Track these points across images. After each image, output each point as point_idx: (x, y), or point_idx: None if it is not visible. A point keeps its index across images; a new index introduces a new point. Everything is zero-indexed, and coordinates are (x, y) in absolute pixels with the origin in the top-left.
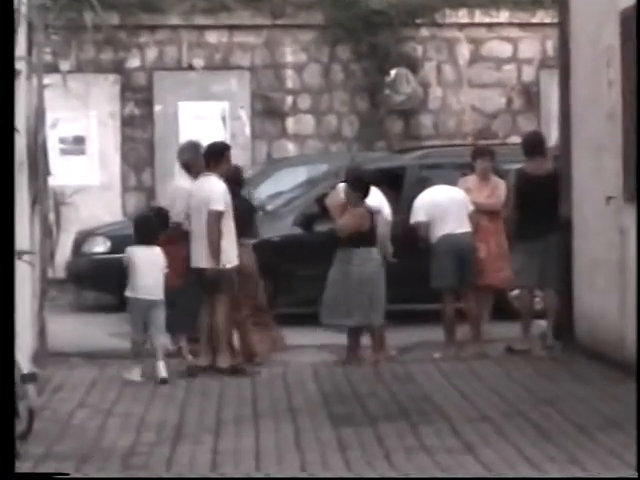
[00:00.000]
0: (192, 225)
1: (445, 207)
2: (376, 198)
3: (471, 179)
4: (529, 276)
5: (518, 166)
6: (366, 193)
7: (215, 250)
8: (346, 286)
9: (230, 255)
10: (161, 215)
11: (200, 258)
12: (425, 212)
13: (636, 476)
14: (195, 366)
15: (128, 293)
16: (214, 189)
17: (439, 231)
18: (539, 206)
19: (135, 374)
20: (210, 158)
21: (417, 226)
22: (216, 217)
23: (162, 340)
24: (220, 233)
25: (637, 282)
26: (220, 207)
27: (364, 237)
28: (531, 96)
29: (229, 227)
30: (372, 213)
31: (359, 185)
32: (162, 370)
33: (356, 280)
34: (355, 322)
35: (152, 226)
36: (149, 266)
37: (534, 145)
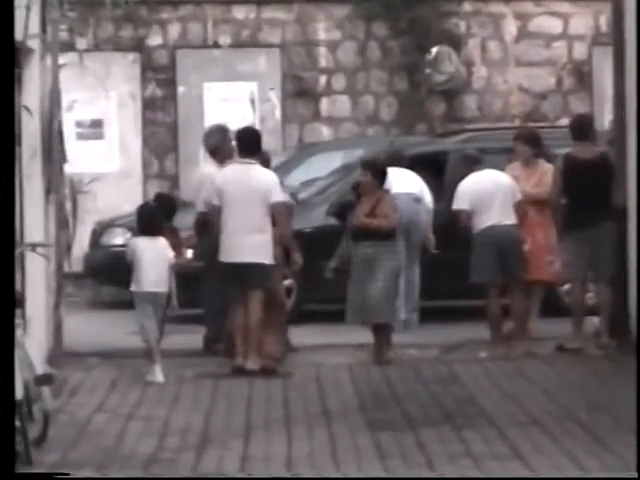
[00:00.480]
0: (233, 216)
1: (490, 195)
2: (417, 185)
3: (517, 166)
4: (579, 268)
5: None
6: (383, 179)
7: (291, 244)
8: (371, 282)
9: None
10: (164, 202)
11: (244, 252)
12: (468, 200)
13: (636, 476)
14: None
15: (133, 288)
16: (272, 179)
17: (482, 222)
18: (588, 193)
19: (157, 375)
20: (248, 144)
21: (458, 214)
22: (286, 210)
23: (160, 335)
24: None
25: (637, 283)
26: (282, 198)
27: (389, 229)
28: (583, 75)
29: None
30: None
31: (376, 171)
32: (157, 374)
33: (384, 274)
34: (385, 318)
35: (156, 216)
36: (154, 258)
37: (582, 128)
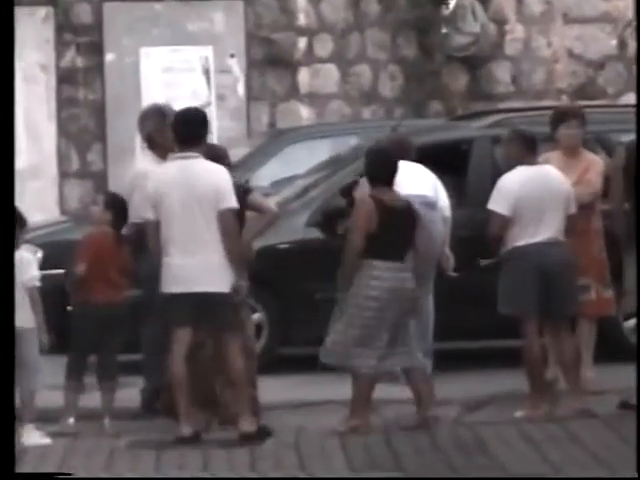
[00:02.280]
0: (177, 230)
1: (540, 202)
2: (429, 185)
3: (554, 156)
4: None
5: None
6: (382, 177)
7: (240, 263)
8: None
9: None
10: (115, 206)
11: (197, 279)
12: (510, 203)
13: (636, 476)
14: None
15: None
16: (224, 178)
17: (523, 236)
18: None
19: (33, 436)
20: (186, 130)
21: (491, 217)
22: (234, 218)
23: (33, 386)
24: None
25: (637, 288)
26: (234, 204)
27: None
28: None
29: None
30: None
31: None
32: (31, 435)
33: (384, 305)
34: (376, 367)
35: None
36: None
37: None
